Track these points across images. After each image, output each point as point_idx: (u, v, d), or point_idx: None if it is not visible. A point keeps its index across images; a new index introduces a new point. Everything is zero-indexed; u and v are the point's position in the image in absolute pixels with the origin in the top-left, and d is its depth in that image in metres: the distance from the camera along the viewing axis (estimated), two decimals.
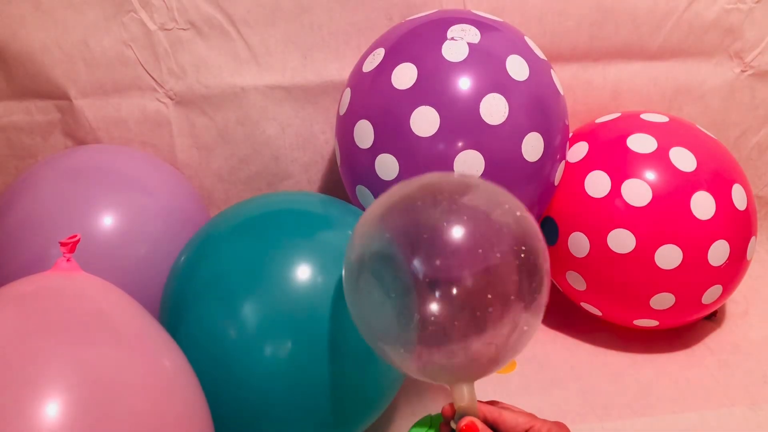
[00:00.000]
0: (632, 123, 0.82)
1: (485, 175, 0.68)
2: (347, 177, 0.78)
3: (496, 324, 0.45)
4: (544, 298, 0.48)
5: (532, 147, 0.70)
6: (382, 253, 0.49)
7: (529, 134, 0.69)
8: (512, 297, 0.45)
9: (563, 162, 0.78)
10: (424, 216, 0.47)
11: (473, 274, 0.45)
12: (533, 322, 0.47)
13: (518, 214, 0.48)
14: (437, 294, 0.44)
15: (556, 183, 0.77)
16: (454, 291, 0.44)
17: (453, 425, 0.46)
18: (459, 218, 0.46)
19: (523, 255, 0.46)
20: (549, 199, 0.79)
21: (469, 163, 0.67)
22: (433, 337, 0.45)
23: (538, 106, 0.71)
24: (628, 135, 0.79)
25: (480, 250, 0.45)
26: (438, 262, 0.45)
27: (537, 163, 0.71)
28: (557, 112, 0.74)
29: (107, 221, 0.69)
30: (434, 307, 0.44)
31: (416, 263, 0.45)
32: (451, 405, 0.47)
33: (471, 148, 0.68)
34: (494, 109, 0.68)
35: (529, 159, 0.70)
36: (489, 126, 0.68)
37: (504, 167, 0.69)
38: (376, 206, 0.52)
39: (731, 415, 0.72)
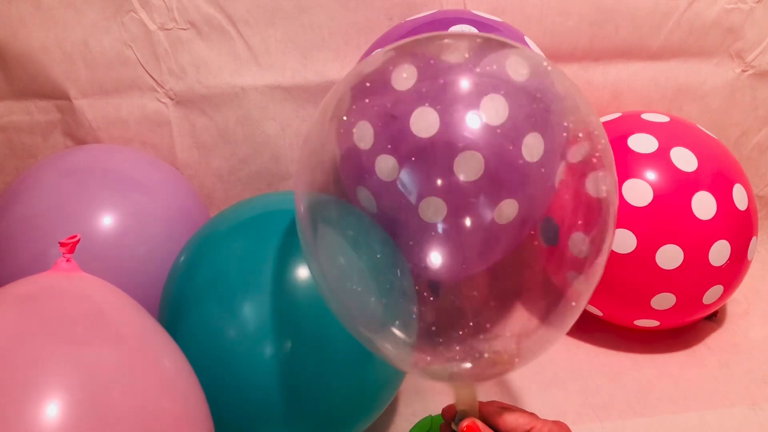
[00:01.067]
0: (633, 123, 0.82)
1: (485, 174, 0.67)
2: (347, 179, 0.78)
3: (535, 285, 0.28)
4: (601, 264, 0.30)
5: (532, 147, 0.70)
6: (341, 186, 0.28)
7: (529, 134, 0.69)
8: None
9: (564, 162, 0.77)
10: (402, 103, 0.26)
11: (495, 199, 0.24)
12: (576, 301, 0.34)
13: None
14: (440, 229, 0.26)
15: (557, 184, 0.77)
16: (468, 224, 0.26)
17: (454, 426, 0.46)
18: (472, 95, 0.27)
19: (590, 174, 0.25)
20: (549, 200, 0.79)
21: (470, 162, 0.67)
22: (433, 312, 0.31)
23: (539, 106, 0.71)
24: (629, 135, 0.79)
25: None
26: (440, 182, 0.27)
27: (537, 163, 0.71)
28: (558, 113, 0.74)
29: (107, 221, 0.69)
30: (435, 258, 0.26)
31: (405, 178, 0.27)
32: (452, 406, 0.47)
33: (471, 149, 0.68)
34: (494, 110, 0.68)
35: (529, 159, 0.70)
36: (489, 126, 0.68)
37: (505, 167, 0.69)
38: (325, 107, 0.30)
39: (731, 415, 0.72)
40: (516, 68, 0.69)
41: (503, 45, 0.72)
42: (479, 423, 0.45)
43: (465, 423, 0.44)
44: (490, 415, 0.46)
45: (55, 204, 0.69)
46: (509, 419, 0.45)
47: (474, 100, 0.67)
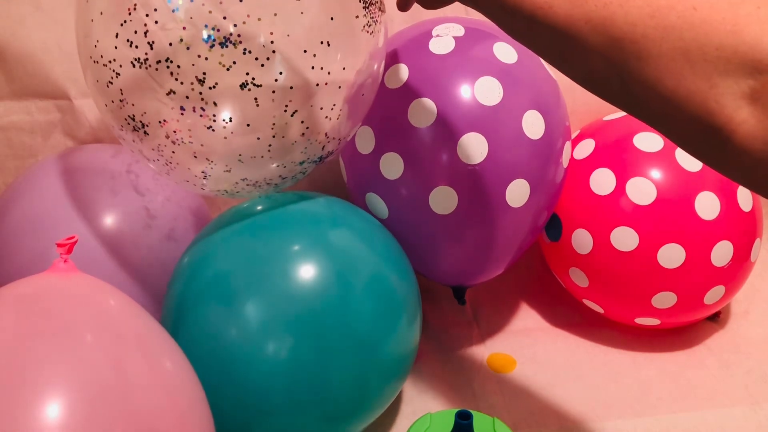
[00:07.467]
0: (639, 121, 0.81)
1: (490, 156, 0.68)
2: (355, 188, 0.78)
3: None
4: None
5: (532, 124, 0.70)
6: None
7: (527, 112, 0.70)
8: None
9: (569, 143, 0.77)
10: None
11: None
12: None
13: None
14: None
15: (564, 164, 0.76)
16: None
17: None
18: None
19: None
20: (561, 187, 0.77)
21: (473, 144, 0.67)
22: None
23: (532, 85, 0.72)
24: (635, 133, 0.79)
25: None
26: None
27: (541, 140, 0.70)
28: (552, 91, 0.74)
29: (107, 222, 0.69)
30: None
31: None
32: None
33: (472, 131, 0.68)
34: (488, 91, 0.68)
35: (532, 137, 0.70)
36: (486, 107, 0.68)
37: (508, 146, 0.69)
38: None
39: (731, 415, 0.72)
40: (503, 51, 0.70)
41: (488, 34, 0.73)
42: None
43: None
44: None
45: (55, 204, 0.69)
46: None
47: (468, 83, 0.68)
